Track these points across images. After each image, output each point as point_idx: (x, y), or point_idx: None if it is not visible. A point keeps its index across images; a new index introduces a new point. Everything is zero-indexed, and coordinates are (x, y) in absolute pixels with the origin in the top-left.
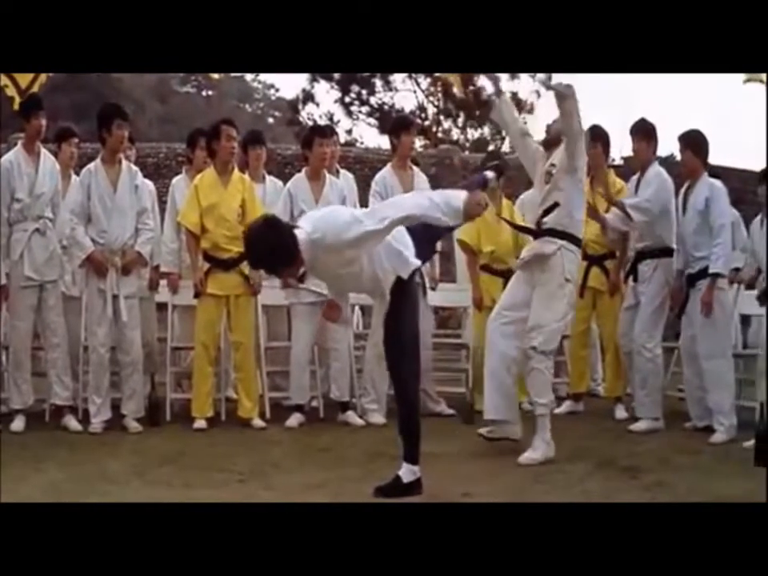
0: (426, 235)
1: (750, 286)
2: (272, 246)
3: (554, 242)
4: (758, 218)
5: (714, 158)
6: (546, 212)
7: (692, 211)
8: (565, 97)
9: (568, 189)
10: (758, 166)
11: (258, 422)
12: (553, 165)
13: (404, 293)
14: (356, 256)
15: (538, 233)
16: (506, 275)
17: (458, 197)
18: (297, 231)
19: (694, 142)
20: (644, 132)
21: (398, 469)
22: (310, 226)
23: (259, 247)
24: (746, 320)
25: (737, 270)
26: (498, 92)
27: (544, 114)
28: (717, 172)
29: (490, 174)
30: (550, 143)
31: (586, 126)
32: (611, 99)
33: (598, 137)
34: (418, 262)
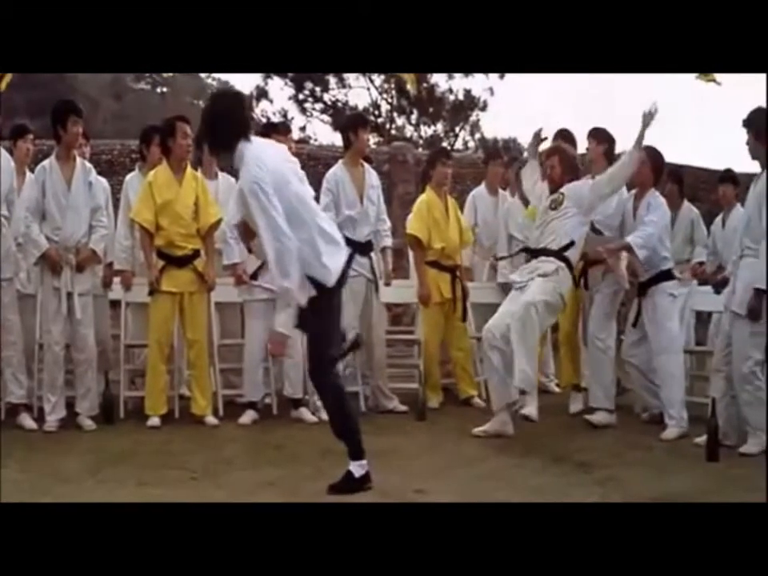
0: None
1: (705, 282)
2: (229, 116)
3: (553, 262)
4: (719, 217)
5: (668, 157)
6: (565, 247)
7: (640, 221)
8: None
9: (575, 221)
10: (708, 164)
11: (211, 420)
12: (562, 194)
13: (328, 299)
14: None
15: (538, 252)
16: (453, 271)
17: (286, 323)
18: (250, 136)
19: (656, 159)
20: (602, 137)
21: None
22: (257, 150)
23: (220, 106)
24: (698, 316)
25: (701, 263)
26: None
27: (496, 110)
28: (679, 172)
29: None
30: (557, 188)
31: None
32: (570, 98)
33: (565, 138)
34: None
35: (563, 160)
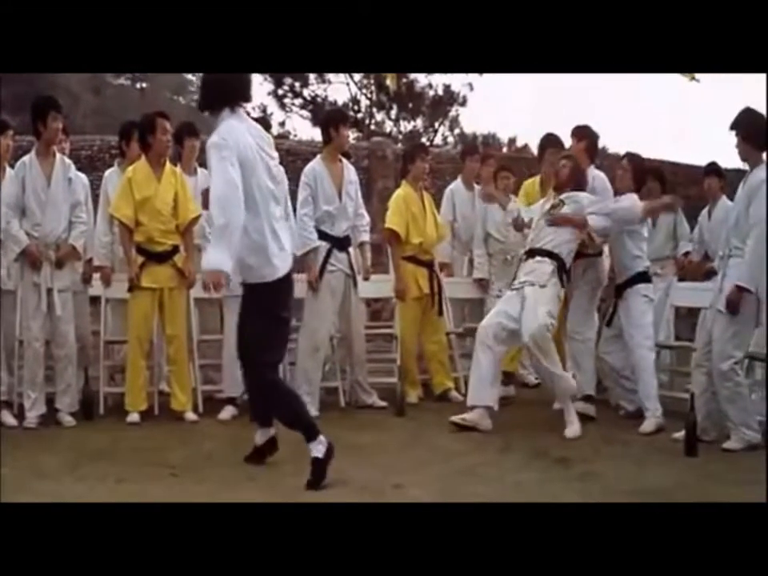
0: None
1: (683, 278)
2: (232, 81)
3: (549, 264)
4: (706, 209)
5: (646, 153)
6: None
7: None
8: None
9: (570, 227)
10: (685, 159)
11: (191, 416)
12: (563, 202)
13: (268, 294)
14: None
15: (534, 252)
16: (429, 265)
17: (221, 260)
18: (237, 109)
19: (638, 167)
20: (582, 134)
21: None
22: (238, 124)
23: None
24: (677, 311)
25: (686, 253)
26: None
27: (475, 106)
28: (660, 170)
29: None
30: (561, 188)
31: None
32: (550, 92)
33: (554, 143)
34: (276, 273)
35: (573, 169)
